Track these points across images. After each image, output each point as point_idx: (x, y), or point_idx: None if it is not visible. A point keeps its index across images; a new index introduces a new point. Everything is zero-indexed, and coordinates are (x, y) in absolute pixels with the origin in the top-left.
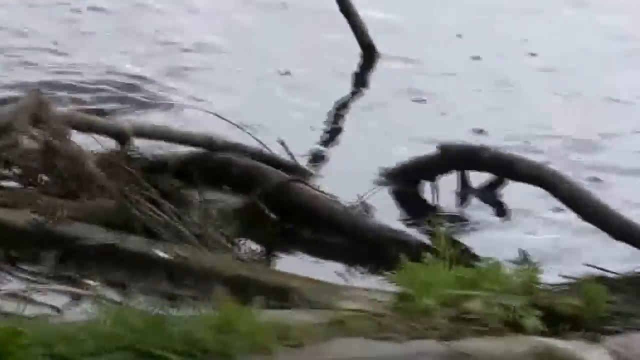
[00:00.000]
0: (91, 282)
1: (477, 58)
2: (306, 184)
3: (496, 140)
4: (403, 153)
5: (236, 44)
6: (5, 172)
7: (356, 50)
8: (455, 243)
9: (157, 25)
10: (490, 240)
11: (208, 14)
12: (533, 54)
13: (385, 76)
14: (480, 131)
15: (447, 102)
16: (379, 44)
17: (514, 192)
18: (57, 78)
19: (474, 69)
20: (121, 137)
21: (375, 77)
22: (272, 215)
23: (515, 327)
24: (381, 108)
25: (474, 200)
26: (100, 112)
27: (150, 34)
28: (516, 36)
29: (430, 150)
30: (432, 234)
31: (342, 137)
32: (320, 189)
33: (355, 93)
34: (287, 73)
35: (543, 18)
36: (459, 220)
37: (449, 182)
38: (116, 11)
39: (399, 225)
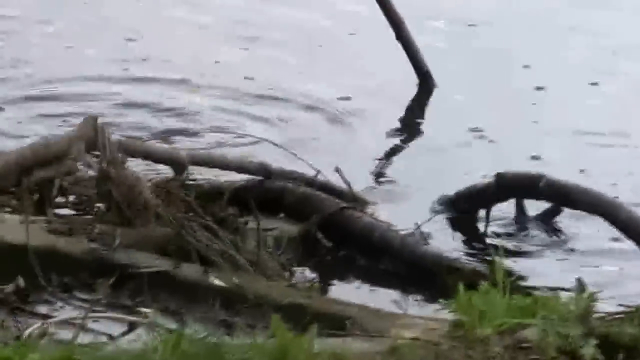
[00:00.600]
0: (146, 310)
1: (541, 89)
2: (362, 211)
3: (553, 168)
4: (459, 181)
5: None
6: (62, 199)
7: (413, 78)
8: (512, 271)
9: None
10: (547, 268)
11: None
12: (594, 84)
13: (442, 105)
14: (536, 158)
15: (504, 132)
16: (436, 73)
17: (571, 220)
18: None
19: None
20: (177, 164)
21: (432, 105)
22: (327, 243)
23: (572, 356)
24: (438, 137)
25: (531, 228)
26: (157, 139)
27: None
28: (582, 65)
29: (487, 178)
30: (488, 262)
31: (398, 165)
32: (376, 217)
33: (410, 122)
34: (347, 98)
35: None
36: (515, 248)
37: (505, 210)
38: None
39: (455, 253)
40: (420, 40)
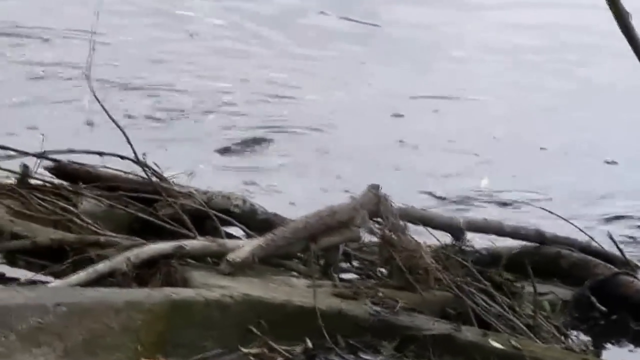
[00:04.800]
0: None
1: None
2: (634, 277)
3: None
4: None
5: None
6: (346, 264)
7: None
8: None
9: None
10: None
11: None
12: None
13: None
14: None
15: None
16: None
17: None
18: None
19: None
20: (455, 231)
21: None
22: (601, 307)
23: None
24: None
25: None
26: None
27: None
28: None
29: None
30: None
31: None
32: None
33: None
34: (613, 162)
35: None
36: None
37: None
38: None
39: None
40: None
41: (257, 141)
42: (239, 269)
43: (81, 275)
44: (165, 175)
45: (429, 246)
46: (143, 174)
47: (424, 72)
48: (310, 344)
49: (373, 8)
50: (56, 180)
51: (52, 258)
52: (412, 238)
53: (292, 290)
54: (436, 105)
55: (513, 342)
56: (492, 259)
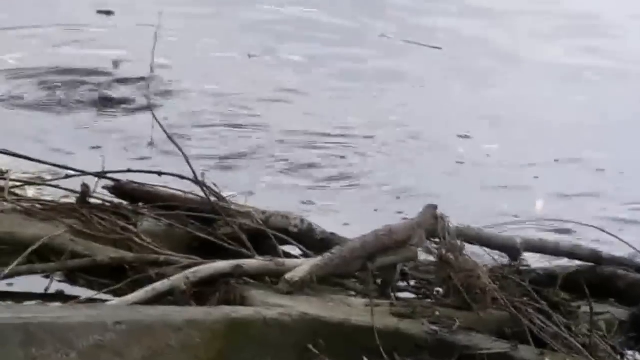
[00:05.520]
0: None
1: None
2: None
3: None
4: None
5: None
6: (403, 283)
7: None
8: None
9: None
10: None
11: None
12: None
13: None
14: None
15: None
16: None
17: None
18: None
19: None
20: (512, 251)
21: None
22: None
23: None
24: None
25: None
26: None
27: None
28: None
29: None
30: None
31: None
32: None
33: None
34: None
35: None
36: None
37: None
38: None
39: None
40: None
41: (312, 165)
42: (297, 288)
43: (141, 293)
44: (224, 194)
45: (486, 266)
46: (202, 194)
47: (485, 89)
48: None
49: (434, 23)
50: (116, 200)
51: (111, 276)
52: (470, 258)
53: (350, 309)
54: (498, 124)
55: None
56: (548, 278)
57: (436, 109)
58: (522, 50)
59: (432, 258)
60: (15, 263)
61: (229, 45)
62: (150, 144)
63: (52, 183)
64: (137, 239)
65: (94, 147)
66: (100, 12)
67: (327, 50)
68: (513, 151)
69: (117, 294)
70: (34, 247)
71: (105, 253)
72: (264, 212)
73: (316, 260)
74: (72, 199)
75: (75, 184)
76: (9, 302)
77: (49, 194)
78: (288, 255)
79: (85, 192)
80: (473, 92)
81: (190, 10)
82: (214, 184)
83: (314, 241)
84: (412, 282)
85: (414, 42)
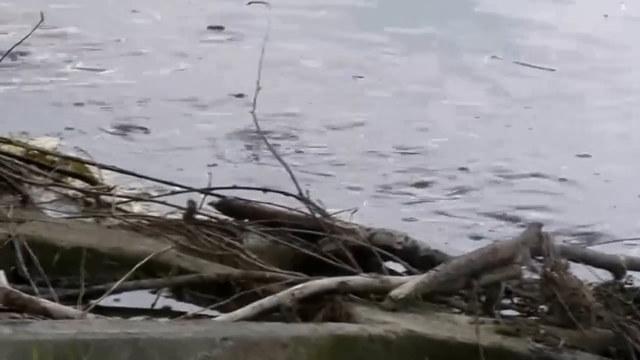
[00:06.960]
0: None
1: None
2: None
3: None
4: None
5: None
6: (507, 301)
7: None
8: None
9: None
10: None
11: None
12: None
13: None
14: None
15: None
16: None
17: None
18: None
19: None
20: (616, 269)
21: None
22: None
23: None
24: None
25: None
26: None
27: None
28: None
29: None
30: None
31: None
32: None
33: None
34: None
35: None
36: None
37: None
38: None
39: None
40: None
41: (422, 184)
42: (402, 305)
43: (247, 309)
44: (328, 211)
45: (590, 284)
46: (306, 210)
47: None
48: None
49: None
50: (221, 216)
51: (217, 292)
52: (574, 276)
53: (455, 326)
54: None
55: None
56: None
57: None
58: None
59: (536, 276)
60: (123, 279)
61: None
62: (256, 158)
63: (159, 199)
64: (242, 255)
65: (209, 165)
66: (210, 27)
67: None
68: None
69: (224, 309)
70: (141, 263)
71: (212, 269)
72: (368, 229)
73: (421, 277)
74: (178, 215)
75: (182, 200)
76: (117, 318)
77: (155, 210)
78: (392, 273)
79: (191, 209)
80: None
81: None
82: (319, 201)
83: (418, 258)
84: (516, 300)
85: (526, 63)
